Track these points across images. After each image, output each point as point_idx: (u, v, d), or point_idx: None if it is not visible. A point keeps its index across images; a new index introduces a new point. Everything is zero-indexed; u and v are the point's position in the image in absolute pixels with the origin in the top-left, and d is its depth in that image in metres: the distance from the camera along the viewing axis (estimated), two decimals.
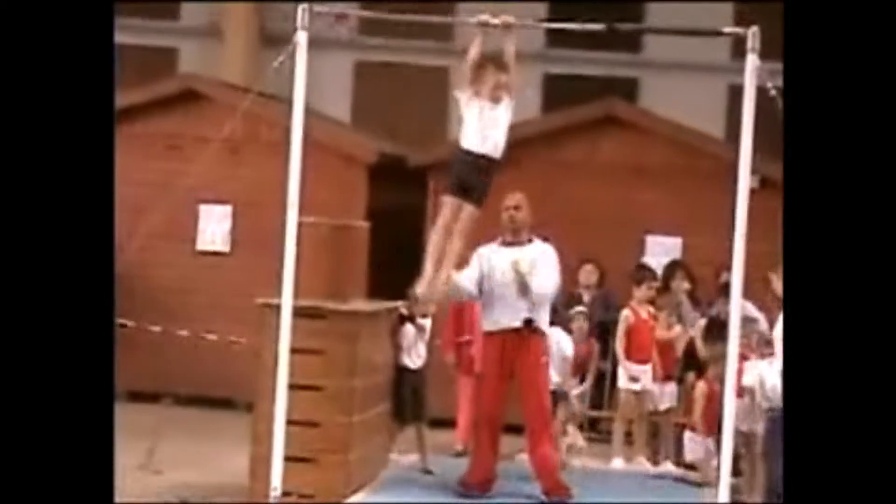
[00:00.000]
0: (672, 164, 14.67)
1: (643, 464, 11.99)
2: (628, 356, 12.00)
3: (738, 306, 9.69)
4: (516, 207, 9.97)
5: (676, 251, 14.27)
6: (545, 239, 10.18)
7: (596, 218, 14.46)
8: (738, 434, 9.11)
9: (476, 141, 8.80)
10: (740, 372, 9.63)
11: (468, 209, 8.74)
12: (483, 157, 8.82)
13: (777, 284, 10.68)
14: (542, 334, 9.78)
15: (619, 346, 12.03)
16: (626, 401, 12.02)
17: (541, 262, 9.81)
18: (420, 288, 8.85)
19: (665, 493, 10.89)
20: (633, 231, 14.47)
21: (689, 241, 14.31)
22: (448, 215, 8.79)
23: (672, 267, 13.37)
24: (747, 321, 10.68)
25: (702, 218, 13.69)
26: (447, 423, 12.44)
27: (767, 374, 10.20)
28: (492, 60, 8.81)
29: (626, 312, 12.09)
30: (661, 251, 14.26)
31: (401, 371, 10.69)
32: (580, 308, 12.45)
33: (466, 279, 9.75)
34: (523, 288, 9.53)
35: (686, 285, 13.05)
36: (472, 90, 8.78)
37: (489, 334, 9.79)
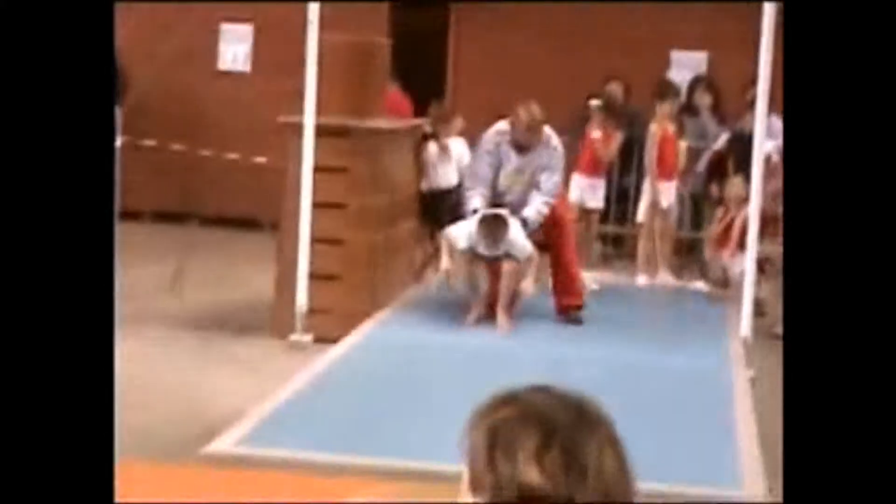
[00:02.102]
0: None
1: (667, 279, 12.02)
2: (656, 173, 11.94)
3: (762, 120, 9.63)
4: (532, 126, 9.68)
5: (702, 66, 14.10)
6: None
7: (620, 34, 14.28)
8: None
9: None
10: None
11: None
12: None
13: None
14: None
15: (650, 162, 11.92)
16: (651, 217, 11.99)
17: (547, 166, 9.67)
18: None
19: (688, 306, 10.96)
20: (659, 47, 14.29)
21: (715, 57, 14.13)
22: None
23: (695, 82, 13.24)
24: (773, 136, 10.60)
25: (729, 33, 13.49)
26: None
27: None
28: None
29: (653, 128, 11.95)
30: (686, 66, 14.10)
31: (429, 192, 10.72)
32: (596, 101, 12.26)
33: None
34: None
35: (708, 100, 12.93)
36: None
37: None
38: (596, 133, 12.05)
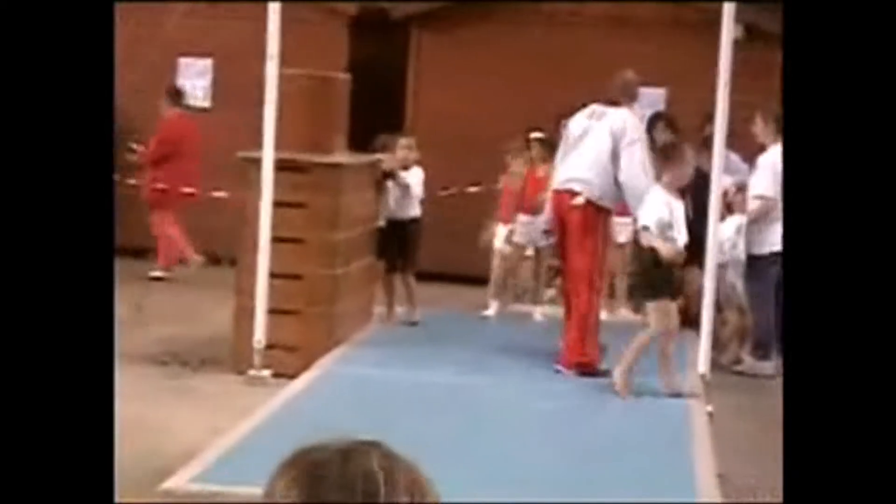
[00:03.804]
0: (658, 15, 14.52)
1: (626, 314, 12.07)
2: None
3: (720, 156, 9.69)
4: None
5: (660, 102, 14.19)
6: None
7: (580, 71, 14.34)
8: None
9: None
10: None
11: None
12: None
13: (760, 131, 10.63)
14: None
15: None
16: (611, 254, 12.00)
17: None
18: None
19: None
20: None
21: (674, 93, 14.22)
22: None
23: (654, 118, 13.32)
24: (731, 173, 10.67)
25: (688, 69, 13.59)
26: (440, 278, 12.52)
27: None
28: None
29: None
30: (645, 102, 14.16)
31: (388, 224, 10.73)
32: (538, 134, 12.19)
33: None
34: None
35: (667, 136, 13.00)
36: None
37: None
38: (541, 171, 11.83)
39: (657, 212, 8.76)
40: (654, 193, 8.91)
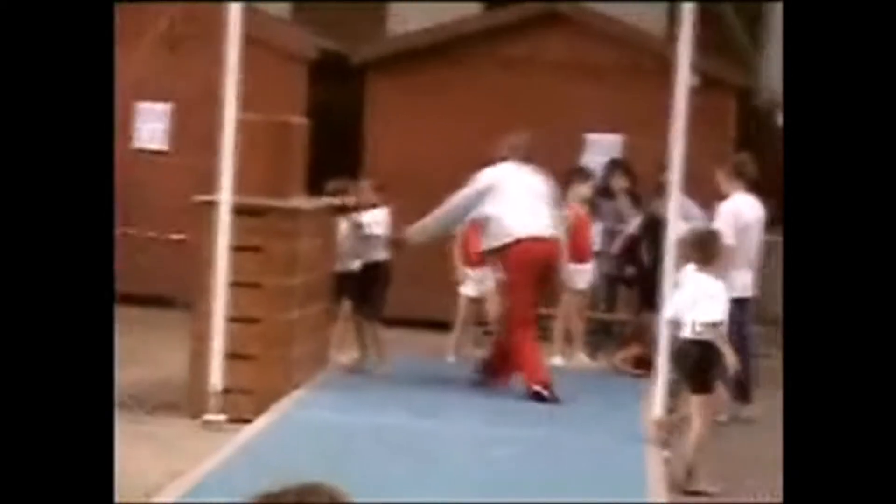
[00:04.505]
0: (615, 63, 14.62)
1: (583, 360, 12.13)
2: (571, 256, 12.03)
3: (676, 203, 9.76)
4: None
5: (617, 149, 14.27)
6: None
7: (537, 116, 14.41)
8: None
9: None
10: None
11: None
12: None
13: (721, 180, 10.70)
14: None
15: (566, 245, 12.00)
16: (569, 300, 12.08)
17: None
18: None
19: (603, 386, 11.03)
20: (575, 129, 14.44)
21: (631, 140, 14.31)
22: None
23: (611, 165, 13.42)
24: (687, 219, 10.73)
25: (644, 116, 13.68)
26: (405, 323, 12.49)
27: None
28: None
29: (567, 212, 12.07)
30: (601, 149, 14.27)
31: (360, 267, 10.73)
32: None
33: None
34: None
35: (624, 183, 13.11)
36: None
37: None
38: None
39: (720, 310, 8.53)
40: (715, 287, 8.63)
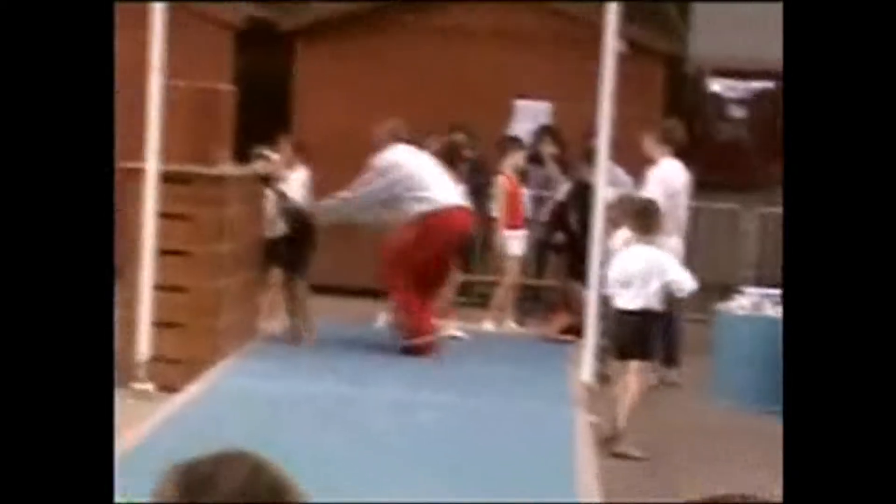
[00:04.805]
0: (543, 30, 14.64)
1: (512, 326, 12.18)
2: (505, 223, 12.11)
3: (604, 169, 9.81)
4: None
5: (546, 116, 14.31)
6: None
7: (467, 84, 14.42)
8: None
9: None
10: None
11: None
12: None
13: (648, 146, 10.75)
14: None
15: (500, 212, 12.09)
16: (510, 268, 12.15)
17: None
18: None
19: (532, 352, 11.10)
20: (505, 96, 14.47)
21: (559, 107, 14.35)
22: None
23: (540, 132, 13.46)
24: (615, 185, 10.79)
25: (573, 83, 13.72)
26: (335, 291, 12.48)
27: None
28: None
29: (500, 180, 12.15)
30: (530, 116, 14.30)
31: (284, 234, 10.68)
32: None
33: None
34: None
35: (553, 150, 13.15)
36: None
37: None
38: None
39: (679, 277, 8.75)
40: (662, 257, 8.82)
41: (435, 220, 10.33)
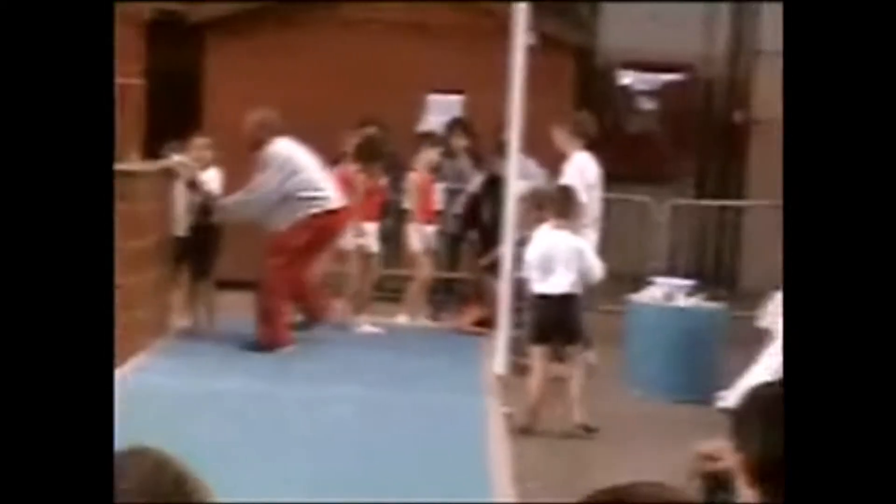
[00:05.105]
0: (453, 23, 14.64)
1: (425, 320, 12.17)
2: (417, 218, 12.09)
3: (516, 162, 9.83)
4: None
5: (457, 109, 14.31)
6: None
7: (378, 77, 14.38)
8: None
9: None
10: None
11: None
12: None
13: (560, 138, 10.75)
14: None
15: (412, 207, 12.06)
16: (423, 262, 12.11)
17: None
18: None
19: (446, 344, 11.10)
20: (416, 89, 14.45)
21: (471, 100, 14.35)
22: None
23: (452, 124, 13.45)
24: (527, 178, 10.81)
25: (483, 76, 13.73)
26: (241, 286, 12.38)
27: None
28: None
29: (413, 175, 12.14)
30: (442, 109, 14.29)
31: (190, 230, 10.57)
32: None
33: None
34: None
35: (464, 142, 13.14)
36: None
37: None
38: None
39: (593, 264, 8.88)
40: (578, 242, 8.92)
41: (324, 222, 10.24)
